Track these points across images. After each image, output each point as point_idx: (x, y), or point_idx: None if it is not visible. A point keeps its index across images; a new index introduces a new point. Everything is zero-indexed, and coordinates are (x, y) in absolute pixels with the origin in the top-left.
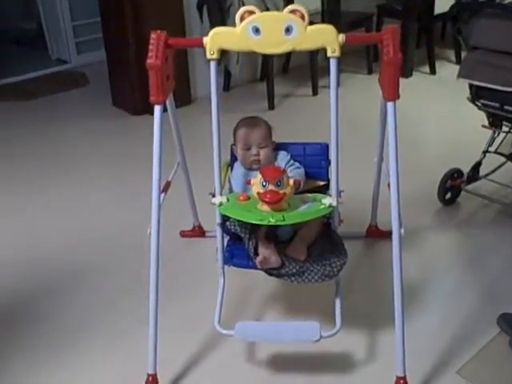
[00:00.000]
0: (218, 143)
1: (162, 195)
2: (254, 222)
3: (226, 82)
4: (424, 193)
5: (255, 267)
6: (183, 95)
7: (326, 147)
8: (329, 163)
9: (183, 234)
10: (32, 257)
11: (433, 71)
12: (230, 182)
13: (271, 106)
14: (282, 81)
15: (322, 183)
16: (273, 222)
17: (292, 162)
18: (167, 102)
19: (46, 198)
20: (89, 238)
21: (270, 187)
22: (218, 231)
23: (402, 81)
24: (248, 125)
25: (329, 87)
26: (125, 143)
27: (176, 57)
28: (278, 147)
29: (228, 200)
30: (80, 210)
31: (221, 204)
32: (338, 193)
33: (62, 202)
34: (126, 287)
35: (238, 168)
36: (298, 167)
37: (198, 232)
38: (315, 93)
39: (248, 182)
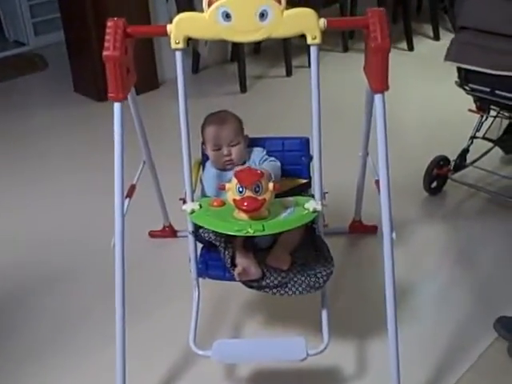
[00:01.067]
0: (188, 146)
1: (127, 201)
2: (230, 233)
3: (195, 64)
4: (408, 182)
5: (233, 279)
6: (149, 79)
7: (307, 142)
8: (310, 159)
9: (153, 235)
10: None
11: (410, 47)
12: (201, 182)
13: (243, 89)
14: (253, 61)
15: (302, 181)
16: (251, 233)
17: (267, 156)
18: (128, 97)
19: (2, 197)
20: (53, 241)
21: (248, 193)
22: (191, 240)
23: None
24: (215, 122)
25: (308, 66)
26: (89, 133)
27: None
28: (254, 143)
29: (200, 206)
30: (41, 210)
31: (192, 212)
32: (323, 194)
33: (21, 200)
34: (97, 295)
35: (211, 168)
36: (272, 160)
37: (169, 232)
38: (289, 73)
39: (222, 188)
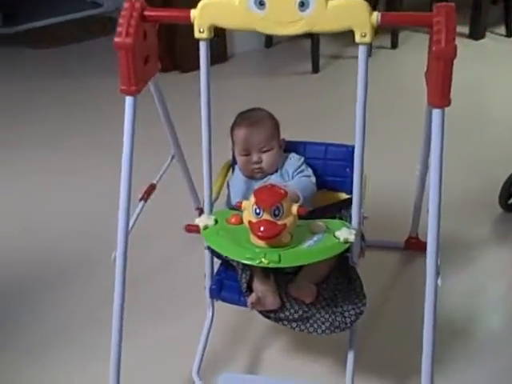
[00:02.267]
0: (209, 148)
1: (141, 204)
2: (240, 260)
3: (268, 38)
4: (481, 194)
5: None
6: (218, 50)
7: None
8: None
9: (189, 229)
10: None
11: (509, 33)
12: (228, 188)
13: (315, 69)
14: (330, 39)
15: (345, 196)
16: (265, 263)
17: (303, 168)
18: (152, 87)
19: (43, 173)
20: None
21: (265, 216)
22: (207, 255)
23: (472, 43)
24: (247, 124)
25: (391, 47)
26: (146, 106)
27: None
28: (292, 148)
29: (216, 222)
30: (81, 191)
31: (206, 228)
32: (361, 220)
33: (64, 175)
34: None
35: (239, 174)
36: (305, 175)
37: None
38: (368, 54)
39: (238, 206)
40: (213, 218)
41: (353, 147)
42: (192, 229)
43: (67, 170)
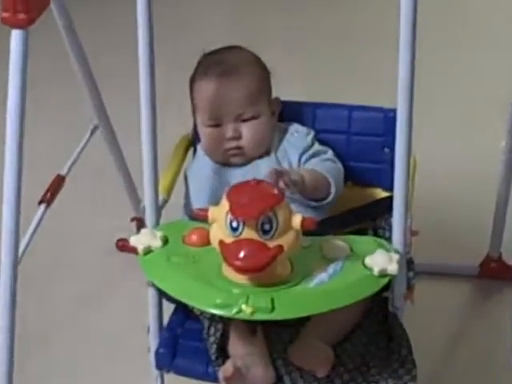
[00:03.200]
0: (152, 111)
1: (42, 207)
2: (206, 309)
3: None
4: None
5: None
6: None
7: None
8: None
9: (122, 246)
10: None
11: None
12: (186, 181)
13: None
14: None
15: (381, 195)
16: (247, 313)
17: (317, 148)
18: (55, 15)
19: None
20: None
21: (247, 234)
22: (152, 296)
23: None
24: (217, 73)
25: None
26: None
27: None
28: (293, 114)
29: (166, 242)
30: None
31: (148, 251)
32: (408, 235)
33: None
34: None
35: (205, 158)
36: (328, 159)
37: None
38: None
39: (201, 215)
40: (159, 234)
41: (395, 112)
42: (128, 247)
43: None
